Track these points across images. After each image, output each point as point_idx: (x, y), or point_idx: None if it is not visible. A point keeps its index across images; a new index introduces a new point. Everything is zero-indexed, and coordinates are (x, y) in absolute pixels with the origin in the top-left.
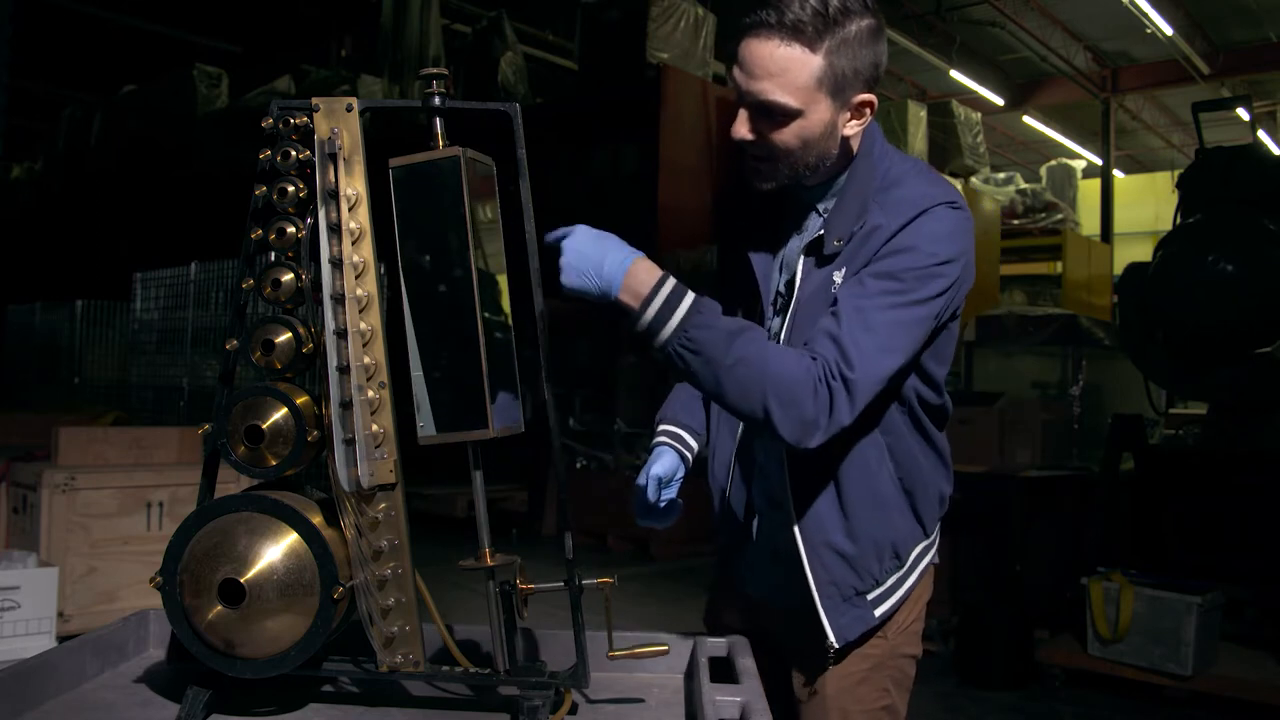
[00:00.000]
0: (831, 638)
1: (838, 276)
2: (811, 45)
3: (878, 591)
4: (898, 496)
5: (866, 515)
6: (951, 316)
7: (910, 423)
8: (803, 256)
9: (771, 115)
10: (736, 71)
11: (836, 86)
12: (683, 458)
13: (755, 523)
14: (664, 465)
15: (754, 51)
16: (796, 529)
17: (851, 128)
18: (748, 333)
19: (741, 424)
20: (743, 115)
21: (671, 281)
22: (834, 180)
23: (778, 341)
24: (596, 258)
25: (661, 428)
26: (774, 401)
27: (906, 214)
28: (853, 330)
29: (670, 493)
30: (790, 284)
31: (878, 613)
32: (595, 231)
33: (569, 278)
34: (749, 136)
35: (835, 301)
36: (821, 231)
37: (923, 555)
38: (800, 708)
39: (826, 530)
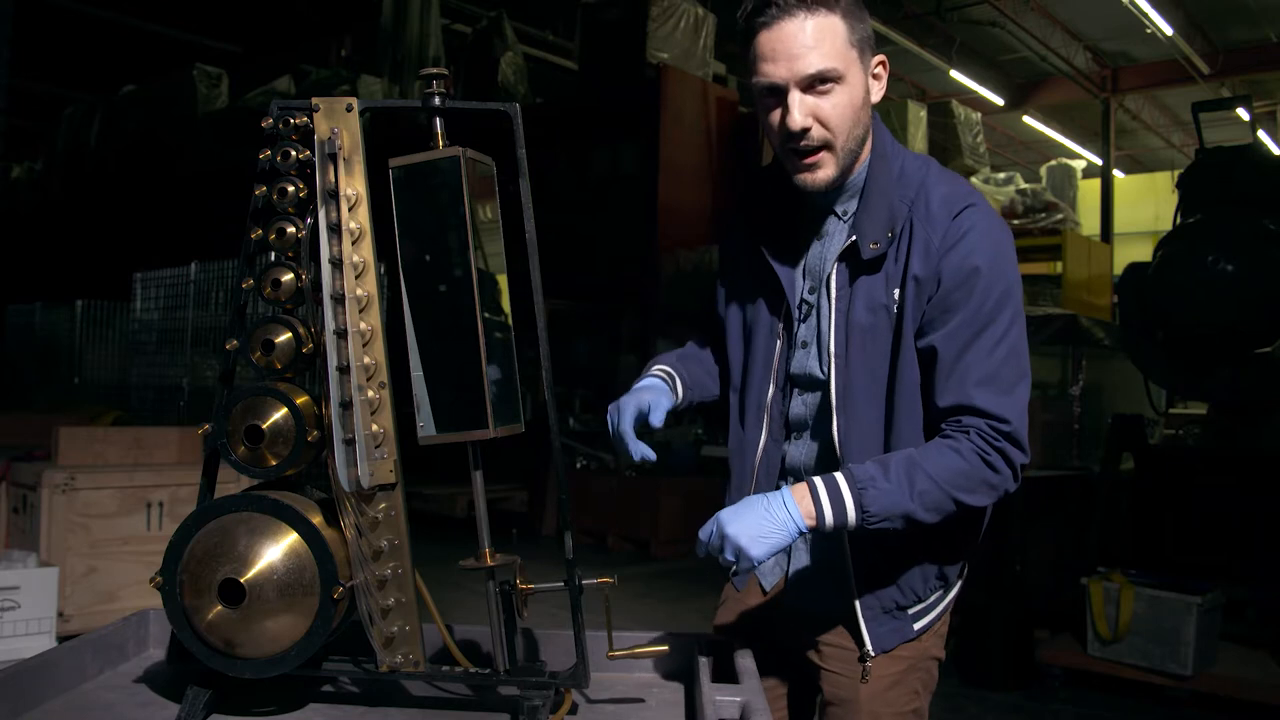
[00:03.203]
0: (869, 646)
1: (895, 293)
2: (832, 10)
3: (919, 607)
4: (956, 520)
5: (919, 539)
6: None
7: None
8: (837, 264)
9: (821, 89)
10: (769, 66)
11: (860, 47)
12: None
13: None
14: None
15: (785, 34)
16: (846, 546)
17: (876, 91)
18: (908, 466)
19: (772, 424)
20: (795, 101)
21: (821, 486)
22: (847, 181)
23: (818, 354)
24: (765, 522)
25: (655, 368)
26: (962, 495)
27: (943, 221)
28: (983, 387)
29: (643, 448)
30: (815, 291)
31: (916, 626)
32: (734, 508)
33: (758, 550)
34: (809, 122)
35: (934, 356)
36: (853, 238)
37: (963, 572)
38: (829, 710)
39: (878, 552)
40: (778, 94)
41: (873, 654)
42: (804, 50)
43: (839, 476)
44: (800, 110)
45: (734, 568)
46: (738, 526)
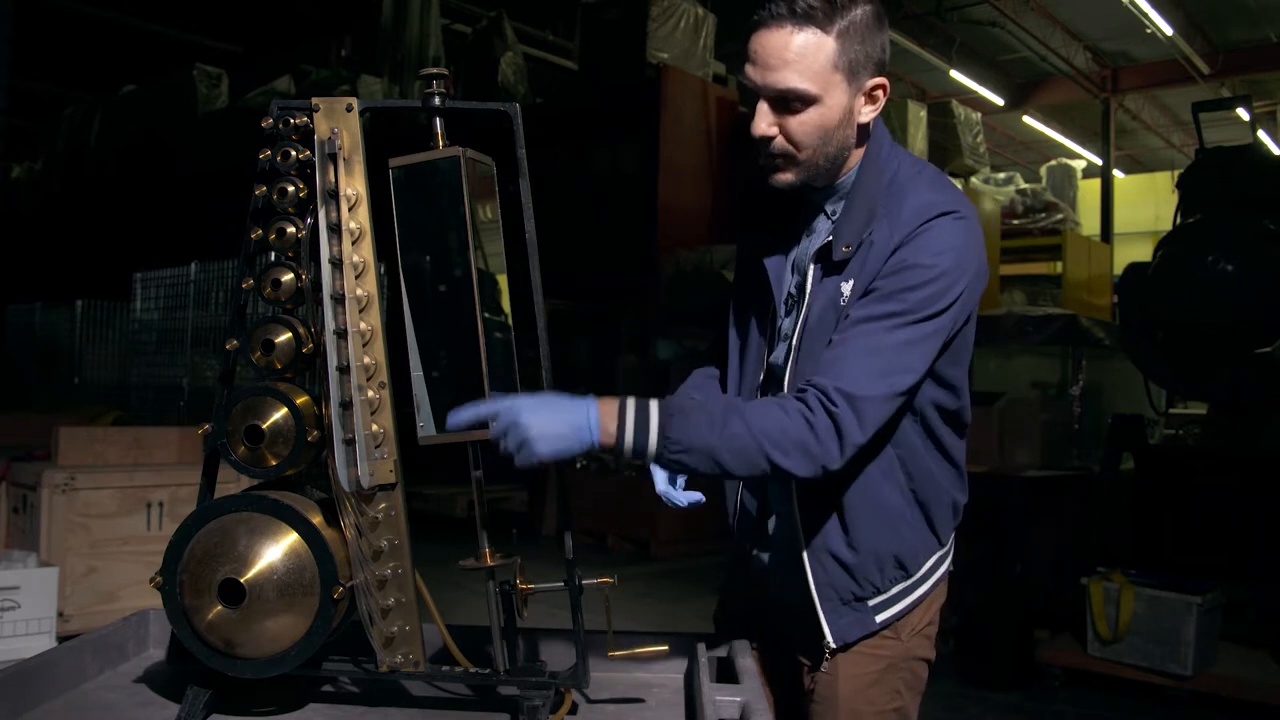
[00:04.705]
0: (829, 638)
1: (845, 289)
2: (823, 28)
3: (880, 599)
4: (908, 509)
5: (868, 527)
6: (965, 322)
7: (924, 434)
8: (813, 264)
9: (791, 105)
10: (750, 68)
11: (850, 69)
12: None
13: (771, 522)
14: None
15: (769, 42)
16: (800, 534)
17: (866, 113)
18: (727, 409)
19: None
20: (763, 110)
21: (632, 403)
22: (836, 183)
23: (787, 347)
24: (561, 421)
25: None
26: (775, 452)
27: (910, 224)
28: (857, 354)
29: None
30: (801, 286)
31: (879, 618)
32: (536, 398)
33: (543, 447)
34: (771, 132)
35: (844, 321)
36: (830, 238)
37: (937, 565)
38: (811, 708)
39: (827, 539)
40: (754, 95)
41: (833, 645)
42: (779, 64)
43: (653, 401)
44: (764, 120)
45: (514, 459)
46: (533, 417)
